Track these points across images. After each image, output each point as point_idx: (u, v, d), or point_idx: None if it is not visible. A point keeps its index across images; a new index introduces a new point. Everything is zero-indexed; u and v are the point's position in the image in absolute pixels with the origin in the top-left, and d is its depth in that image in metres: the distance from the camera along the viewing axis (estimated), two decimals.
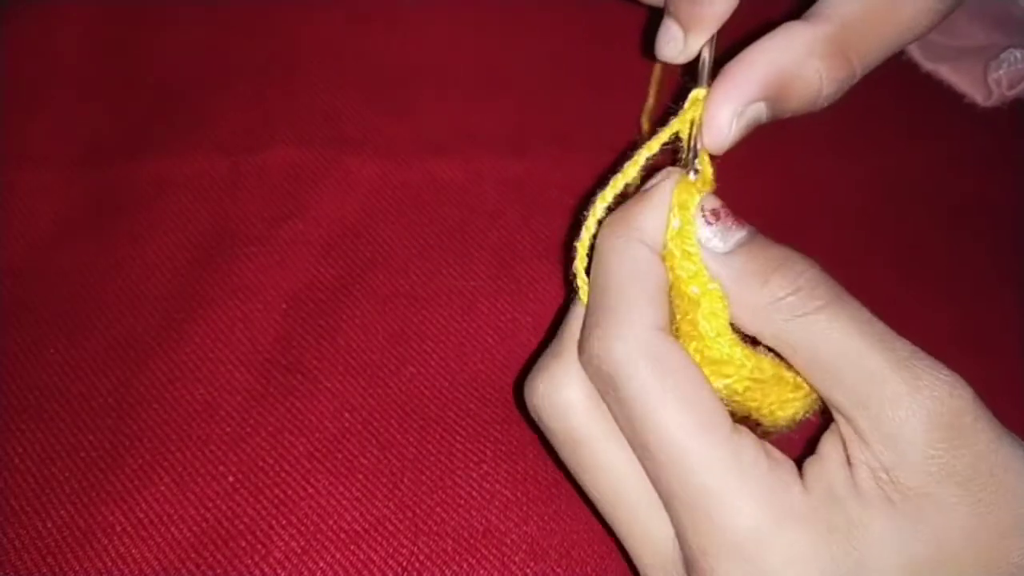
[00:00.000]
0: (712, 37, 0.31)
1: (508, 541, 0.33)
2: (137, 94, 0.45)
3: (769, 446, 0.27)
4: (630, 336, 0.26)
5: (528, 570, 0.33)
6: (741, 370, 0.28)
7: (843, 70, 0.29)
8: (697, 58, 0.31)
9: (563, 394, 0.28)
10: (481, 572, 0.32)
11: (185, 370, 0.36)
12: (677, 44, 0.32)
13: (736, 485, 0.25)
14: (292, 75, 0.46)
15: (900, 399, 0.25)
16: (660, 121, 0.32)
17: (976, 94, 0.47)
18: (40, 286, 0.39)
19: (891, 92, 0.46)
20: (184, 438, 0.35)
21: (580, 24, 0.48)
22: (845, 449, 0.26)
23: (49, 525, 0.33)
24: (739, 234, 0.28)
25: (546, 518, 0.34)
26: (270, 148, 0.43)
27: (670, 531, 0.27)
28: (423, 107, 0.45)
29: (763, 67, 0.29)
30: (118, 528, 0.33)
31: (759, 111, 0.29)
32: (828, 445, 0.27)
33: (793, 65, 0.29)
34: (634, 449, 0.27)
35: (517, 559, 0.33)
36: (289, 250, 0.40)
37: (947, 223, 0.44)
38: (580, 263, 0.29)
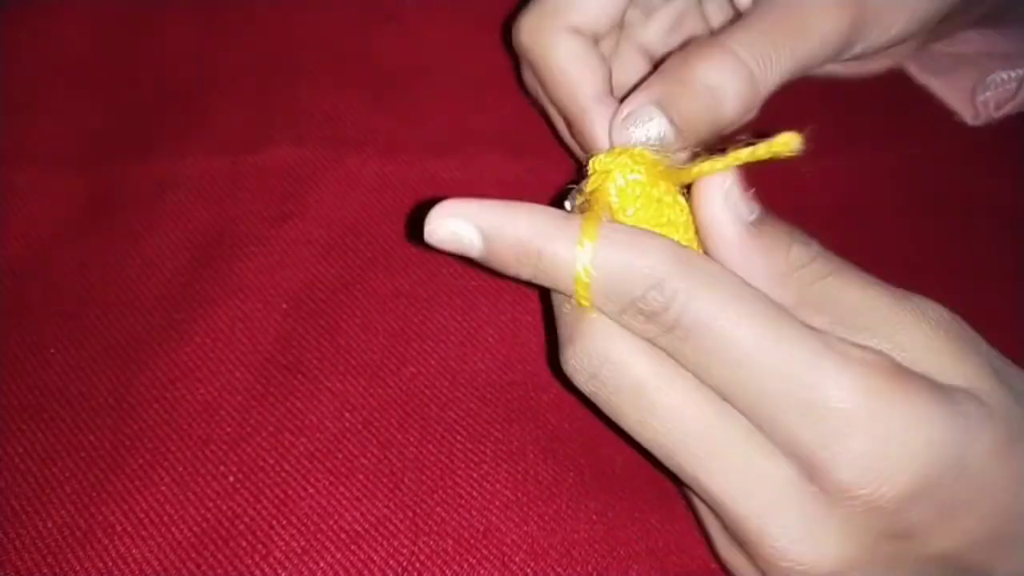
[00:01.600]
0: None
1: (508, 541, 0.33)
2: (137, 94, 0.45)
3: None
4: (658, 259, 0.26)
5: (528, 570, 0.33)
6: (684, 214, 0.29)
7: (731, 61, 0.30)
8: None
9: (610, 347, 0.27)
10: (481, 572, 0.32)
11: (185, 370, 0.36)
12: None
13: (832, 363, 0.25)
14: (292, 75, 0.46)
15: (917, 321, 0.27)
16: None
17: (965, 113, 0.47)
18: (40, 286, 0.39)
19: (893, 92, 0.46)
20: (184, 438, 0.35)
21: None
22: None
23: (49, 525, 0.33)
24: (759, 209, 0.29)
25: (547, 518, 0.34)
26: (270, 148, 0.43)
27: (769, 460, 0.26)
28: (423, 107, 0.45)
29: (653, 76, 0.31)
30: (118, 528, 0.33)
31: (654, 118, 0.30)
32: None
33: (680, 68, 0.30)
34: (704, 376, 0.26)
35: (517, 559, 0.33)
36: (289, 250, 0.40)
37: (947, 223, 0.44)
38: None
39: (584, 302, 0.27)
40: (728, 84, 0.30)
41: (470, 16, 0.48)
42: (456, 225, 0.27)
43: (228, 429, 0.35)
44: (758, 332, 0.25)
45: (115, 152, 0.43)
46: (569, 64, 0.34)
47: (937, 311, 0.27)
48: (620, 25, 0.37)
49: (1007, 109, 0.46)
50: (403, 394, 0.36)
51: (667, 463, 0.28)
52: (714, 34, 0.31)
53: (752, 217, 0.28)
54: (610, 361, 0.27)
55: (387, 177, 0.43)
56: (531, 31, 0.35)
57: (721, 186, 0.28)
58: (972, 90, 0.46)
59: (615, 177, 0.29)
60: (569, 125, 0.36)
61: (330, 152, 0.43)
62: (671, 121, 0.30)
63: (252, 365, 0.37)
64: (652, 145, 0.29)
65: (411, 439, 0.35)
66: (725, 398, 0.26)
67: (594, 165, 0.30)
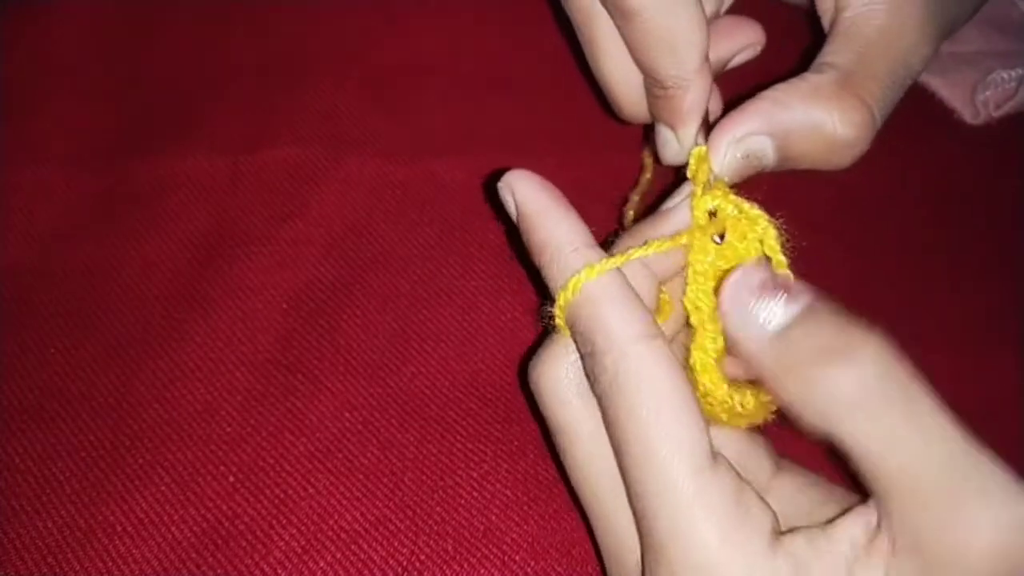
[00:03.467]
0: (702, 128, 0.32)
1: (508, 540, 0.33)
2: (137, 94, 0.45)
3: (749, 492, 0.26)
4: (610, 346, 0.26)
5: (528, 569, 0.33)
6: (723, 404, 0.28)
7: (856, 111, 0.28)
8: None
9: (549, 378, 0.29)
10: (482, 571, 0.32)
11: (185, 370, 0.36)
12: (672, 145, 0.33)
13: (698, 520, 0.24)
14: (292, 75, 0.46)
15: (946, 511, 0.22)
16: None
17: (965, 112, 0.47)
18: (40, 286, 0.39)
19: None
20: (184, 438, 0.35)
21: None
22: (869, 531, 0.24)
23: (49, 525, 0.33)
24: (792, 311, 0.25)
25: (546, 517, 0.34)
26: (270, 148, 0.43)
27: (633, 538, 0.27)
28: (423, 107, 0.45)
29: (764, 105, 0.29)
30: (118, 528, 0.33)
31: (761, 144, 0.29)
32: (847, 527, 0.25)
33: (798, 108, 0.29)
34: (611, 443, 0.27)
35: (517, 558, 0.33)
36: (290, 250, 0.40)
37: (947, 222, 0.44)
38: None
39: (559, 320, 0.28)
40: (861, 136, 0.29)
41: (470, 16, 0.48)
42: (506, 195, 0.30)
43: (228, 429, 0.35)
44: (663, 449, 0.25)
45: (115, 152, 0.43)
46: (686, 27, 0.31)
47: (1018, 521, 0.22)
48: None
49: (1007, 108, 0.46)
50: (403, 394, 0.36)
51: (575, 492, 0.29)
52: (825, 65, 0.30)
53: (774, 322, 0.25)
54: (545, 393, 0.29)
55: (387, 177, 0.43)
56: None
57: (725, 301, 0.26)
58: (972, 89, 0.46)
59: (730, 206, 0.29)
60: (654, 85, 0.33)
61: (330, 152, 0.43)
62: (777, 155, 0.29)
63: (252, 365, 0.37)
64: (747, 167, 0.30)
65: (411, 439, 0.35)
66: (620, 471, 0.27)
67: (698, 162, 0.30)
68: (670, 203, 0.31)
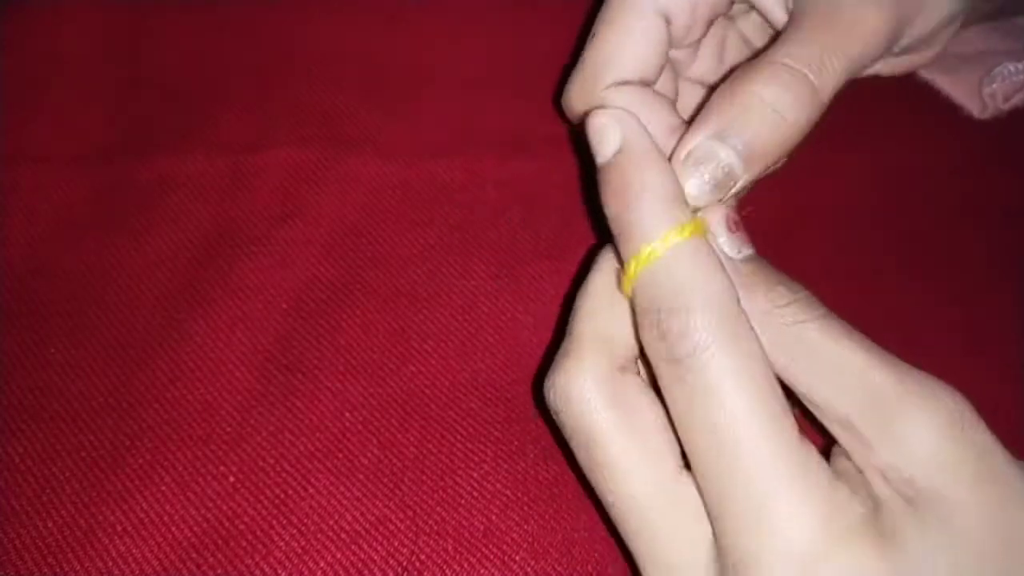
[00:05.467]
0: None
1: (509, 540, 0.33)
2: (137, 94, 0.45)
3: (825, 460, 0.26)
4: (708, 292, 0.26)
5: (529, 569, 0.33)
6: None
7: (789, 73, 0.29)
8: None
9: (577, 389, 0.27)
10: (482, 571, 0.32)
11: (186, 369, 0.36)
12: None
13: (801, 495, 0.24)
14: (292, 75, 0.46)
15: (899, 398, 0.25)
16: None
17: (972, 106, 0.47)
18: (40, 285, 0.39)
19: (896, 92, 0.46)
20: (185, 438, 0.35)
21: (581, 23, 0.48)
22: (853, 462, 0.26)
23: (49, 525, 0.33)
24: (748, 249, 0.29)
25: (547, 517, 0.34)
26: (270, 148, 0.43)
27: (702, 535, 0.26)
28: (423, 107, 0.45)
29: (708, 106, 0.29)
30: (118, 528, 0.33)
31: (716, 151, 0.28)
32: (840, 463, 0.27)
33: (738, 91, 0.29)
34: (679, 422, 0.26)
35: (518, 558, 0.33)
36: (290, 250, 0.40)
37: (949, 222, 0.44)
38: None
39: (627, 281, 0.27)
40: (789, 96, 0.28)
41: (470, 16, 0.48)
42: (612, 125, 0.28)
43: (228, 429, 0.35)
44: (752, 425, 0.24)
45: (115, 152, 0.43)
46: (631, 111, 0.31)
47: (941, 394, 0.25)
48: (667, 67, 0.35)
49: (1015, 101, 0.45)
50: (403, 394, 0.36)
51: (608, 511, 0.28)
52: (757, 55, 0.30)
53: (736, 254, 0.28)
54: (569, 401, 0.27)
55: (387, 177, 0.43)
56: (580, 97, 0.33)
57: (707, 221, 0.28)
58: (978, 83, 0.46)
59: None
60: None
61: (330, 152, 0.43)
62: (735, 149, 0.28)
63: (252, 365, 0.37)
64: (719, 181, 0.28)
65: (411, 439, 0.35)
66: (690, 456, 0.26)
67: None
68: None
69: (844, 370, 0.25)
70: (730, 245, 0.28)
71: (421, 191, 0.42)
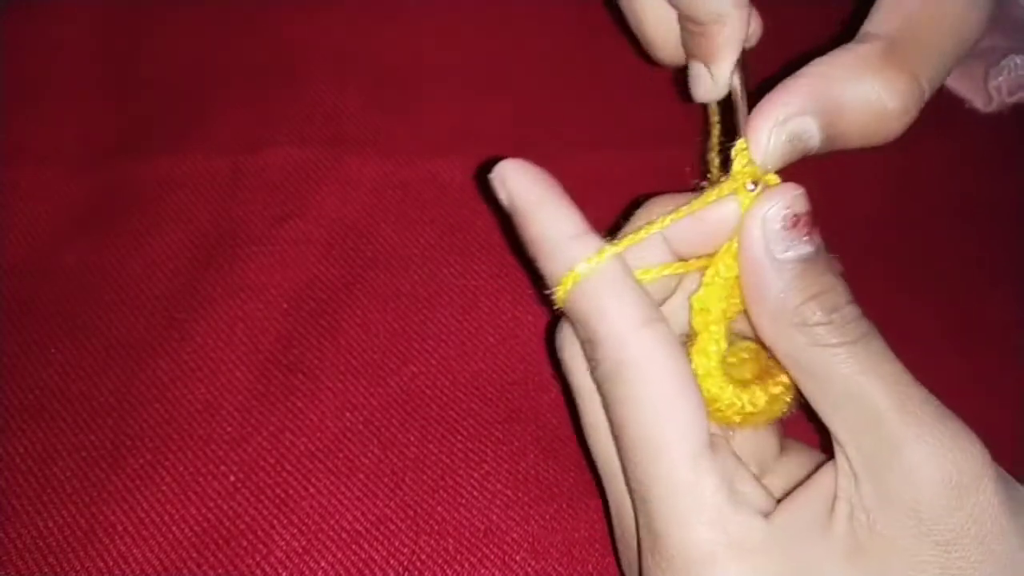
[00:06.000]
0: (738, 65, 0.31)
1: (509, 540, 0.33)
2: (137, 94, 0.45)
3: (744, 474, 0.27)
4: (608, 334, 0.26)
5: (529, 569, 0.33)
6: (732, 407, 0.28)
7: (903, 81, 0.27)
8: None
9: (565, 347, 0.29)
10: (482, 571, 0.32)
11: (186, 369, 0.36)
12: (705, 81, 0.32)
13: (693, 507, 0.25)
14: (292, 75, 0.46)
15: (897, 447, 0.24)
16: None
17: (977, 100, 0.47)
18: (41, 285, 0.39)
19: None
20: (185, 437, 0.35)
21: (580, 23, 0.48)
22: (836, 479, 0.26)
23: (50, 525, 0.33)
24: (804, 249, 0.26)
25: (547, 517, 0.34)
26: (271, 148, 0.43)
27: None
28: (423, 107, 0.45)
29: (806, 81, 0.28)
30: (119, 528, 0.33)
31: (804, 124, 0.27)
32: (823, 475, 0.27)
33: (843, 81, 0.27)
34: (612, 429, 0.27)
35: (518, 558, 0.33)
36: (290, 250, 0.40)
37: (950, 222, 0.44)
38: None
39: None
40: (909, 107, 0.28)
41: (471, 16, 0.48)
42: (499, 187, 0.29)
43: (229, 429, 0.35)
44: (653, 443, 0.26)
45: (116, 152, 0.43)
46: None
47: (943, 449, 0.24)
48: None
49: (1021, 95, 0.45)
50: (404, 394, 0.36)
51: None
52: (870, 36, 0.28)
53: (787, 255, 0.26)
54: (563, 359, 0.30)
55: (387, 177, 0.43)
56: None
57: (764, 212, 0.27)
58: (984, 76, 0.46)
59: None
60: (689, 20, 0.32)
61: (330, 152, 0.43)
62: (822, 134, 0.28)
63: (253, 365, 0.37)
64: (793, 154, 0.28)
65: (412, 439, 0.35)
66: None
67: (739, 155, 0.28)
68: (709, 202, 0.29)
69: (857, 407, 0.25)
70: (779, 243, 0.26)
71: (421, 191, 0.42)
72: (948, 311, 0.41)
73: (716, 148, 0.33)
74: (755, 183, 0.28)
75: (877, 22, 0.29)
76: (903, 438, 0.24)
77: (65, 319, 0.38)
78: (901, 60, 0.28)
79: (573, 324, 0.28)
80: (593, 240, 0.28)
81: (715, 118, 0.36)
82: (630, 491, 0.27)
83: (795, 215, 0.26)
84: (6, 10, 0.47)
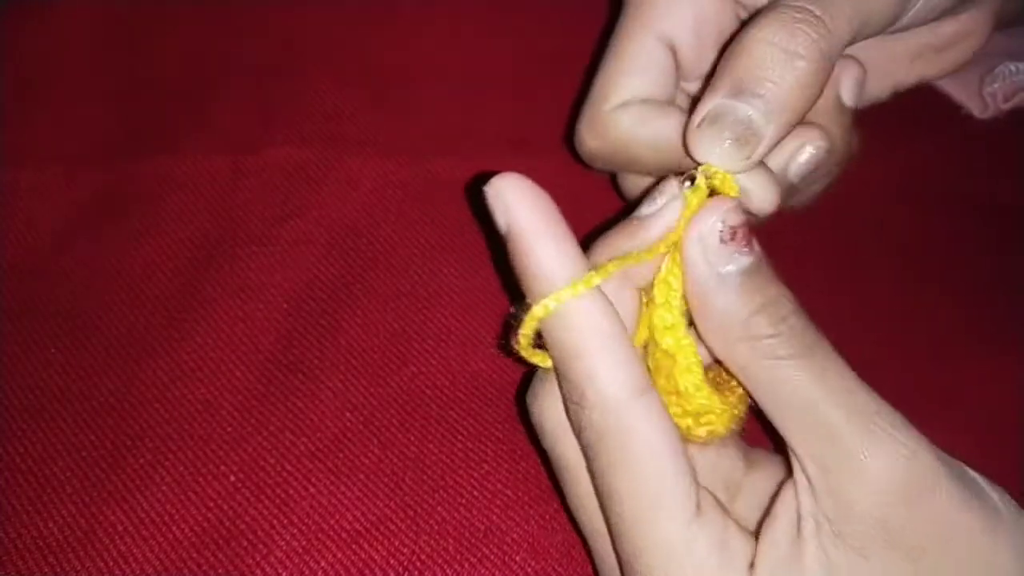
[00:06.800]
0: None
1: (509, 540, 0.33)
2: (137, 94, 0.45)
3: (730, 527, 0.27)
4: (600, 401, 0.26)
5: (529, 569, 0.33)
6: (722, 416, 0.28)
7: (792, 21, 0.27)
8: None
9: (546, 415, 0.28)
10: (482, 571, 0.32)
11: (186, 369, 0.36)
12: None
13: (688, 573, 0.25)
14: (292, 75, 0.46)
15: (852, 457, 0.24)
16: None
17: (972, 106, 0.47)
18: (41, 285, 0.39)
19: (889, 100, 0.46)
20: (185, 437, 0.35)
21: (580, 23, 0.48)
22: (797, 497, 0.26)
23: (50, 525, 0.33)
24: (744, 261, 0.26)
25: (547, 517, 0.34)
26: (271, 147, 0.43)
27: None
28: (423, 107, 0.45)
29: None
30: (119, 528, 0.33)
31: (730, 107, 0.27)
32: (784, 496, 0.27)
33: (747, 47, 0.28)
34: (597, 493, 0.27)
35: (518, 558, 0.33)
36: (290, 250, 0.40)
37: (953, 223, 0.44)
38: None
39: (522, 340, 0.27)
40: (801, 37, 0.27)
41: (470, 16, 0.48)
42: (495, 205, 0.27)
43: (229, 429, 0.35)
44: (638, 508, 0.26)
45: (116, 152, 0.43)
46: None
47: (895, 456, 0.24)
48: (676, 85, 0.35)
49: (1016, 100, 0.46)
50: (404, 394, 0.36)
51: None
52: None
53: (728, 268, 0.26)
54: (542, 428, 0.29)
55: (387, 177, 0.43)
56: (589, 128, 0.34)
57: (700, 229, 0.26)
58: (979, 82, 0.46)
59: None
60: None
61: (330, 152, 0.43)
62: (752, 102, 0.27)
63: (253, 365, 0.37)
64: (741, 137, 0.27)
65: (412, 439, 0.35)
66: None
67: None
68: (648, 208, 0.28)
69: (812, 417, 0.25)
70: (719, 258, 0.26)
71: (421, 191, 0.42)
72: (956, 311, 0.41)
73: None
74: (690, 179, 0.27)
75: None
76: (856, 449, 0.24)
77: (65, 319, 0.38)
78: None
79: (558, 375, 0.27)
80: (589, 292, 0.26)
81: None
82: (616, 552, 0.27)
83: (731, 227, 0.26)
84: (6, 10, 0.47)
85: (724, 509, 0.27)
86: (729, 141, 0.27)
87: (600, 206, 0.38)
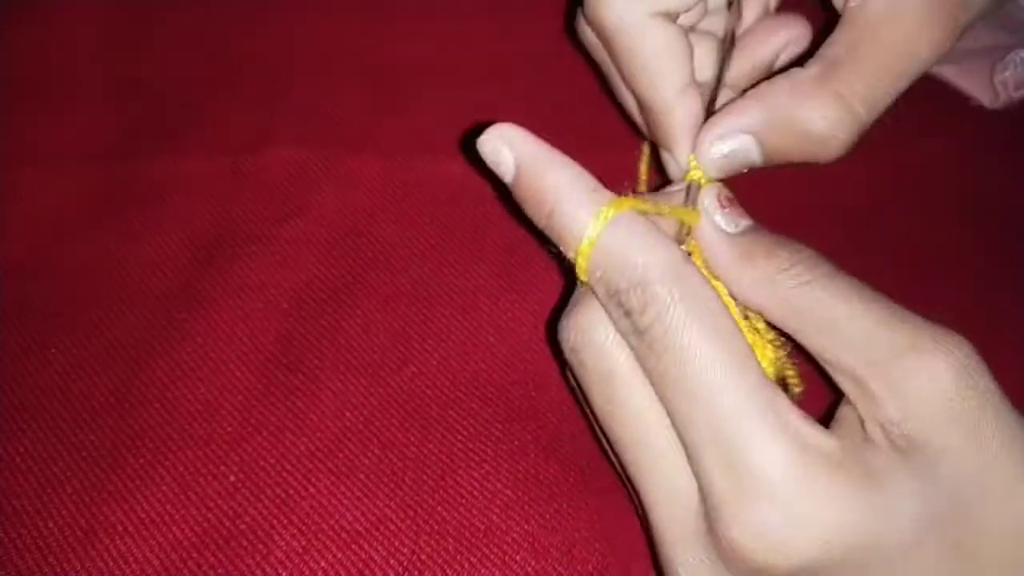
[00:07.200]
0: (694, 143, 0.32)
1: (509, 540, 0.33)
2: (138, 94, 0.45)
3: (803, 415, 0.27)
4: (654, 260, 0.26)
5: (529, 569, 0.32)
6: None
7: (832, 107, 0.28)
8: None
9: (597, 328, 0.28)
10: (482, 571, 0.32)
11: (186, 369, 0.36)
12: (671, 164, 0.34)
13: (772, 430, 0.25)
14: (293, 75, 0.46)
15: (904, 353, 0.25)
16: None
17: (982, 96, 0.46)
18: (41, 285, 0.39)
19: None
20: (185, 437, 0.35)
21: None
22: (858, 412, 0.27)
23: (50, 525, 0.33)
24: (745, 222, 0.29)
25: (547, 517, 0.34)
26: (271, 147, 0.43)
27: (692, 483, 0.27)
28: (423, 107, 0.45)
29: (747, 102, 0.30)
30: (119, 528, 0.33)
31: (742, 142, 0.29)
32: (843, 411, 0.27)
33: (777, 104, 0.29)
34: (656, 386, 0.27)
35: (518, 558, 0.33)
36: (290, 249, 0.40)
37: (952, 222, 0.44)
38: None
39: (580, 275, 0.28)
40: (836, 132, 0.29)
41: (470, 16, 0.48)
42: (501, 147, 0.29)
43: (229, 428, 0.35)
44: (719, 373, 0.25)
45: (116, 152, 0.43)
46: (657, 54, 0.32)
47: (943, 345, 0.25)
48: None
49: None
50: (404, 394, 0.36)
51: (615, 450, 0.29)
52: (817, 57, 0.30)
53: (734, 228, 0.29)
54: (592, 343, 0.28)
55: (387, 177, 0.43)
56: (621, 14, 0.32)
57: (703, 202, 0.30)
58: (989, 72, 0.46)
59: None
60: (644, 110, 0.34)
61: (331, 152, 0.43)
62: (762, 153, 0.30)
63: (253, 365, 0.37)
64: (735, 169, 0.31)
65: (412, 438, 0.35)
66: (669, 415, 0.27)
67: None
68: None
69: (852, 327, 0.26)
70: (726, 221, 0.29)
71: (421, 191, 0.42)
72: (954, 310, 0.41)
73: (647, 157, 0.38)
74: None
75: (829, 42, 0.30)
76: (903, 345, 0.25)
77: (65, 319, 0.38)
78: (835, 85, 0.28)
79: (596, 279, 0.27)
80: (607, 195, 0.28)
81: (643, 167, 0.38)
82: (691, 457, 0.26)
83: (727, 198, 0.30)
84: (6, 10, 0.47)
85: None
86: (727, 164, 0.30)
87: None
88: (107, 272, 0.39)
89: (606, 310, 0.28)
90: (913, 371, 0.25)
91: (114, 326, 0.38)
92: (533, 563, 0.33)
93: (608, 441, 0.30)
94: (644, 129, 0.36)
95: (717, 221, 0.29)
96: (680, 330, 0.26)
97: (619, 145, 0.43)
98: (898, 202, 0.45)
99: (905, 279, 0.42)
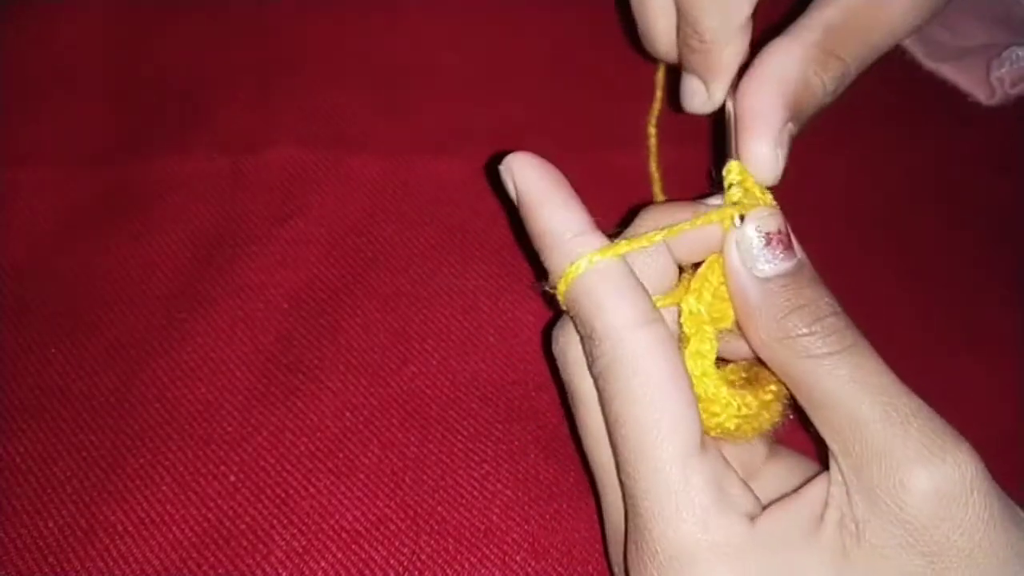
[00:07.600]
0: (732, 85, 0.32)
1: (509, 540, 0.33)
2: (138, 94, 0.45)
3: (732, 477, 0.27)
4: (610, 318, 0.27)
5: (529, 569, 0.32)
6: (728, 408, 0.28)
7: (837, 68, 0.30)
8: (722, 108, 0.32)
9: (575, 347, 0.29)
10: (482, 571, 0.32)
11: (186, 369, 0.36)
12: (700, 96, 0.34)
13: (679, 505, 0.26)
14: (293, 75, 0.46)
15: (885, 457, 0.25)
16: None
17: (979, 93, 0.47)
18: (41, 285, 0.39)
19: (893, 90, 0.46)
20: (185, 437, 0.35)
21: (580, 23, 0.48)
22: (829, 488, 0.27)
23: (50, 525, 0.33)
24: (784, 266, 0.27)
25: (547, 517, 0.34)
26: (271, 148, 0.43)
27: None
28: (423, 107, 0.45)
29: (780, 89, 0.30)
30: (119, 528, 0.33)
31: (791, 132, 0.30)
32: (816, 483, 0.27)
33: (799, 79, 0.30)
34: (607, 425, 0.28)
35: (518, 558, 0.33)
36: (291, 250, 0.40)
37: (949, 222, 0.44)
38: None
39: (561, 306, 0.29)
40: (835, 89, 0.31)
41: (471, 16, 0.48)
42: (507, 179, 0.30)
43: (229, 429, 0.35)
44: (641, 439, 0.26)
45: (116, 152, 0.43)
46: None
47: (933, 462, 0.24)
48: None
49: (1023, 85, 0.46)
50: (404, 394, 0.36)
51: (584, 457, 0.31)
52: (814, 20, 0.31)
53: (764, 271, 0.27)
54: (569, 361, 0.30)
55: (387, 177, 0.43)
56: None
57: (737, 236, 0.28)
58: (986, 69, 0.46)
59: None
60: (691, 36, 0.33)
61: (331, 152, 0.43)
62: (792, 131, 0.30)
63: (253, 365, 0.37)
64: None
65: (412, 439, 0.35)
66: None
67: (739, 174, 0.30)
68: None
69: (845, 416, 0.26)
70: (756, 262, 0.28)
71: (421, 191, 0.42)
72: (951, 309, 0.41)
73: (655, 116, 0.37)
74: (741, 218, 0.28)
75: (819, 4, 0.31)
76: (889, 448, 0.25)
77: (65, 319, 0.38)
78: (836, 50, 0.30)
79: (573, 320, 0.29)
80: (597, 238, 0.28)
81: (660, 80, 0.37)
82: (621, 487, 0.28)
83: (767, 233, 0.28)
84: (6, 10, 0.47)
85: (729, 464, 0.27)
86: (781, 154, 0.30)
87: (602, 207, 0.38)
88: (107, 272, 0.39)
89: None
90: (888, 480, 0.24)
91: (114, 326, 0.38)
92: (533, 563, 0.33)
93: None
94: (658, 46, 0.35)
95: (746, 261, 0.28)
96: (617, 389, 0.27)
97: (619, 145, 0.43)
98: (890, 200, 0.45)
99: (907, 275, 0.42)
